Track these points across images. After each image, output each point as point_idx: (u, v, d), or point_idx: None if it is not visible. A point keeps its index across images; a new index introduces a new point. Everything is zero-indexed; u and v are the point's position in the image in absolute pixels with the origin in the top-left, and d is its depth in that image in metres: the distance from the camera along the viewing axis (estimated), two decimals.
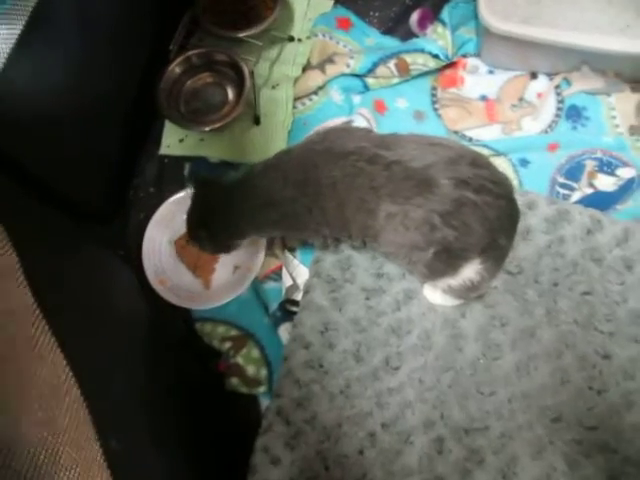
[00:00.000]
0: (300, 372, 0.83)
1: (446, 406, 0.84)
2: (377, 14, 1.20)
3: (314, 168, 0.78)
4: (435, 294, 0.91)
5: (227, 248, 0.88)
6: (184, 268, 1.02)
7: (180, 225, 0.98)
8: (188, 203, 0.88)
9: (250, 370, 0.92)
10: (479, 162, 0.76)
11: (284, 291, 0.93)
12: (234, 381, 0.92)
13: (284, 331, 0.93)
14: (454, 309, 0.91)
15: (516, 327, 0.88)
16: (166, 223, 1.04)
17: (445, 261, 0.78)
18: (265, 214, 0.83)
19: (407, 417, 0.83)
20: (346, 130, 0.92)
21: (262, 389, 0.91)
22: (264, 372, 0.92)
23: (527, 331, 0.88)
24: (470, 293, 0.84)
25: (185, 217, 0.88)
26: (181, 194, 1.03)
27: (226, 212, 0.83)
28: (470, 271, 0.79)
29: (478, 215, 0.73)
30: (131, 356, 0.80)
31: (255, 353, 0.93)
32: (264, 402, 0.91)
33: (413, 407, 0.84)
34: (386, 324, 0.87)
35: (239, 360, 0.93)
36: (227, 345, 0.94)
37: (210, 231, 0.84)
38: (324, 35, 1.15)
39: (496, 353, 0.87)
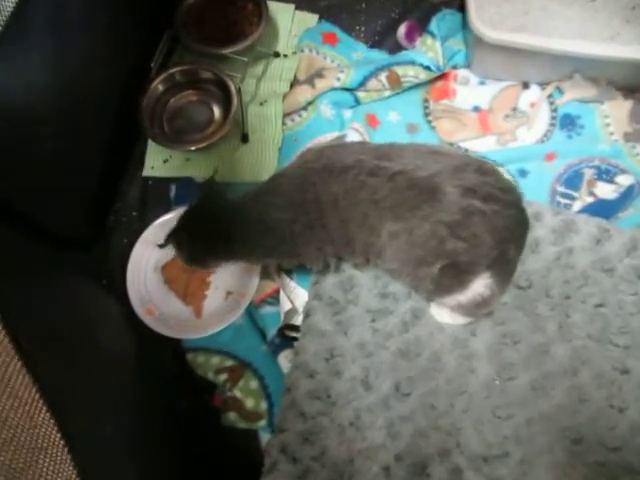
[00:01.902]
0: (305, 403, 0.77)
1: (462, 433, 0.79)
2: (363, 28, 1.17)
3: (312, 187, 0.74)
4: (443, 313, 0.86)
5: (203, 263, 0.83)
6: (173, 295, 0.95)
7: (166, 251, 0.92)
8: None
9: (249, 403, 0.85)
10: (485, 169, 0.73)
11: (282, 316, 0.87)
12: (232, 416, 0.85)
13: (284, 359, 0.86)
14: (463, 328, 0.86)
15: (529, 344, 0.84)
16: (152, 248, 0.97)
17: (453, 276, 0.74)
18: (259, 241, 0.78)
19: (421, 447, 0.78)
20: (341, 145, 0.89)
21: (262, 423, 0.85)
22: (264, 405, 0.86)
23: (540, 348, 0.84)
24: (480, 310, 0.80)
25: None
26: (168, 216, 0.97)
27: (218, 229, 0.78)
28: (479, 286, 0.75)
29: (487, 225, 0.69)
30: (118, 396, 0.73)
31: (253, 384, 0.87)
32: (264, 437, 0.85)
33: (427, 435, 0.78)
34: (394, 347, 0.82)
35: (236, 393, 0.86)
36: (223, 377, 0.87)
37: (193, 238, 0.78)
38: (310, 50, 1.12)
39: (510, 373, 0.82)
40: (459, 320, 0.86)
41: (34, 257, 0.82)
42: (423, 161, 0.72)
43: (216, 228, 0.78)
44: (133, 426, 0.72)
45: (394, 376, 0.80)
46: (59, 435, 0.53)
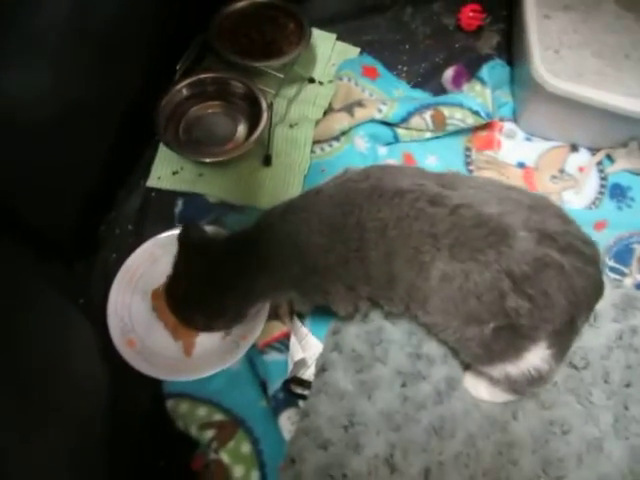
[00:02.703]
0: None
1: None
2: (405, 68, 1.11)
3: (357, 209, 0.62)
4: (479, 385, 0.73)
5: (240, 318, 0.70)
6: (160, 327, 0.80)
7: (161, 273, 0.78)
8: (174, 246, 0.71)
9: (237, 472, 0.68)
10: (564, 215, 0.63)
11: (291, 366, 0.73)
12: None
13: (287, 420, 0.71)
14: (503, 408, 0.73)
15: (581, 437, 0.71)
16: (144, 268, 0.83)
17: (508, 341, 0.62)
18: (286, 269, 0.65)
19: None
20: (393, 167, 0.77)
21: None
22: (255, 476, 0.69)
23: (594, 443, 0.70)
24: (531, 387, 0.67)
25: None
26: (168, 233, 0.84)
27: (231, 274, 0.66)
28: (536, 357, 0.63)
29: (563, 283, 0.58)
30: (80, 442, 0.57)
31: (245, 448, 0.70)
32: None
33: None
34: (426, 422, 0.67)
35: (223, 456, 0.69)
36: (208, 434, 0.71)
37: (209, 310, 0.67)
38: (349, 80, 1.04)
39: (560, 471, 0.68)
40: (498, 397, 0.73)
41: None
42: (493, 195, 0.61)
43: (231, 275, 0.66)
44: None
45: (424, 458, 0.65)
46: None
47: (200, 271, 0.67)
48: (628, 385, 0.73)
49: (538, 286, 0.57)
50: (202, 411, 0.73)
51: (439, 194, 0.60)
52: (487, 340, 0.62)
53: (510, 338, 0.61)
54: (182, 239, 0.70)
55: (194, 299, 0.68)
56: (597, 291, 0.63)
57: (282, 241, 0.64)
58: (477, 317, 0.61)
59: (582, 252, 0.59)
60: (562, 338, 0.63)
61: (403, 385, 0.69)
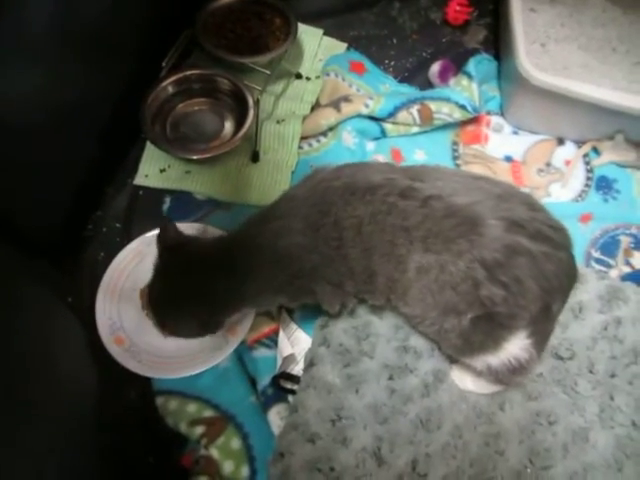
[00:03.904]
0: (303, 476, 0.61)
1: None
2: (392, 63, 1.11)
3: (334, 208, 0.63)
4: (466, 377, 0.74)
5: (215, 328, 0.68)
6: (149, 325, 0.79)
7: (148, 271, 0.77)
8: None
9: (227, 467, 0.69)
10: (533, 202, 0.63)
11: (280, 361, 0.73)
12: None
13: (276, 415, 0.71)
14: (489, 399, 0.73)
15: (567, 427, 0.71)
16: (132, 266, 0.83)
17: (486, 331, 0.62)
18: (270, 277, 0.65)
19: None
20: (364, 164, 0.77)
21: None
22: (245, 471, 0.69)
23: (580, 433, 0.71)
24: (513, 377, 0.68)
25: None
26: (155, 232, 0.83)
27: (216, 277, 0.65)
28: (515, 347, 0.64)
29: (534, 269, 0.58)
30: (68, 441, 0.57)
31: (235, 443, 0.71)
32: None
33: None
34: (413, 414, 0.68)
35: (213, 452, 0.70)
36: (198, 430, 0.71)
37: (207, 309, 0.65)
38: (336, 75, 1.04)
39: (546, 461, 0.69)
40: (484, 388, 0.73)
41: None
42: (462, 186, 0.62)
43: (213, 277, 0.65)
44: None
45: (411, 450, 0.66)
46: None
47: (180, 281, 0.66)
48: (613, 375, 0.74)
49: (510, 273, 0.58)
50: (192, 408, 0.73)
51: (409, 187, 0.60)
52: (465, 331, 0.62)
53: (488, 328, 0.62)
54: (161, 242, 0.69)
55: (173, 307, 0.66)
56: (570, 277, 0.63)
57: (263, 252, 0.64)
58: (454, 308, 0.61)
59: (551, 238, 0.59)
60: (540, 326, 0.64)
61: (390, 378, 0.69)
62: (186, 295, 0.65)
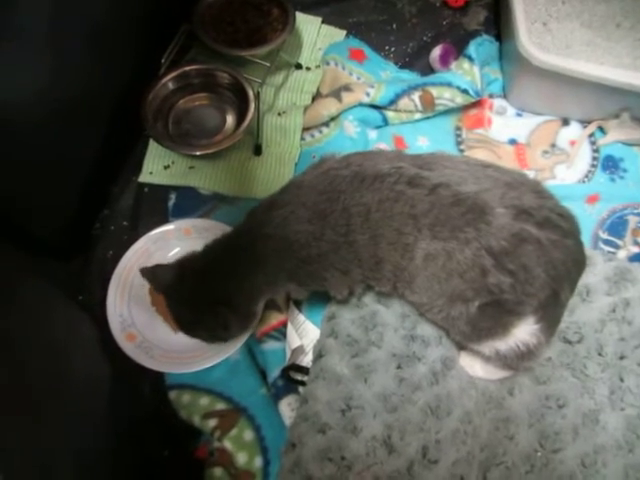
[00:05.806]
0: (314, 466, 0.62)
1: None
2: (393, 49, 1.10)
3: (342, 195, 0.63)
4: (475, 364, 0.74)
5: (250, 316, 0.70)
6: (160, 321, 0.81)
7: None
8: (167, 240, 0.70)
9: (240, 458, 0.70)
10: (541, 190, 0.63)
11: (288, 353, 0.74)
12: (217, 472, 0.70)
13: (287, 407, 0.72)
14: (499, 385, 0.74)
15: (577, 410, 0.72)
16: (141, 263, 0.84)
17: (494, 317, 0.63)
18: (280, 263, 0.66)
19: None
20: (373, 152, 0.77)
21: None
22: (259, 461, 0.71)
23: (590, 415, 0.71)
24: (521, 362, 0.68)
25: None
26: (164, 228, 0.85)
27: (231, 269, 0.66)
28: (523, 332, 0.64)
29: (541, 256, 0.58)
30: (83, 437, 0.58)
31: (248, 435, 0.72)
32: None
33: None
34: (422, 402, 0.68)
35: (226, 444, 0.71)
36: (211, 423, 0.73)
37: (234, 300, 0.66)
38: (336, 64, 1.03)
39: (556, 444, 0.69)
40: (493, 374, 0.74)
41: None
42: (470, 174, 0.62)
43: (231, 268, 0.66)
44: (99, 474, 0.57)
45: (421, 438, 0.66)
46: None
47: (196, 290, 0.67)
48: (622, 357, 0.74)
49: (517, 261, 0.58)
50: (204, 401, 0.75)
51: (417, 175, 0.60)
52: (473, 318, 0.63)
53: (496, 314, 0.62)
54: (158, 288, 0.70)
55: (195, 320, 0.67)
56: (578, 264, 0.63)
57: (272, 238, 0.65)
58: (462, 295, 0.61)
59: (559, 226, 0.59)
60: (549, 312, 0.64)
61: (398, 367, 0.70)
62: (208, 296, 0.66)
